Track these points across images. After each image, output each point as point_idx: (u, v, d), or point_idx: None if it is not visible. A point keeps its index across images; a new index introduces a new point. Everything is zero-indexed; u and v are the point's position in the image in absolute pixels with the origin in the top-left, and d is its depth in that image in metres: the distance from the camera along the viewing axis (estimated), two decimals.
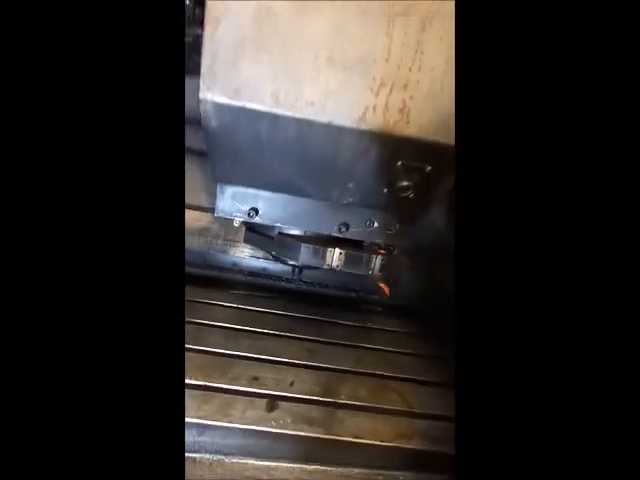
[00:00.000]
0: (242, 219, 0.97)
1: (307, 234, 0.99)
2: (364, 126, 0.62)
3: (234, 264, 1.39)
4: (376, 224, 0.96)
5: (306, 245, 0.94)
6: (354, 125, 0.62)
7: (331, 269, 0.95)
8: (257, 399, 0.79)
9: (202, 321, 1.02)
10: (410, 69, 0.58)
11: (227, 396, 0.77)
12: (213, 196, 1.43)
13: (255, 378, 0.86)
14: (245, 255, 1.39)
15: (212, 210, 1.47)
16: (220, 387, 0.80)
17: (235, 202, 0.97)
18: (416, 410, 0.83)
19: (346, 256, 0.94)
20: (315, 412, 0.79)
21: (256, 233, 1.08)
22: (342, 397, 0.84)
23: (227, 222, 1.37)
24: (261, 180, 0.87)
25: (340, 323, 1.15)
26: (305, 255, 0.94)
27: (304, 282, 1.38)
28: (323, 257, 0.94)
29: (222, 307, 1.13)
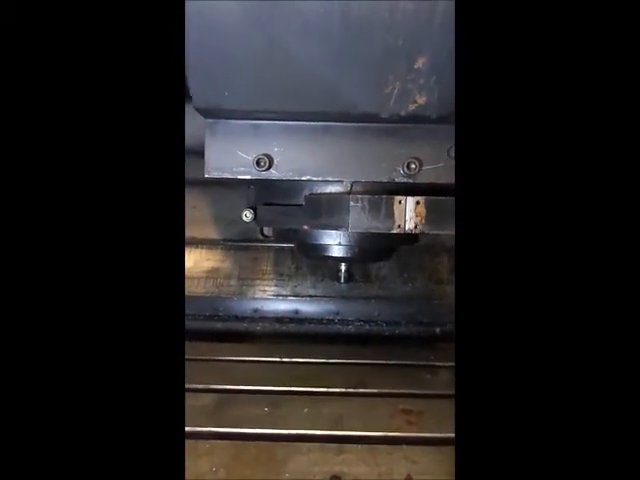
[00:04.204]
0: (248, 176, 0.57)
1: (355, 189, 0.59)
2: None
3: (255, 310, 1.01)
4: None
5: (356, 197, 0.54)
6: None
7: (404, 234, 0.55)
8: None
9: (225, 386, 0.61)
10: None
11: None
12: (222, 225, 1.11)
13: (336, 477, 0.46)
14: (269, 294, 1.01)
15: (221, 242, 1.13)
16: None
17: (234, 148, 0.56)
18: None
19: (428, 205, 0.53)
20: None
21: (273, 205, 0.66)
22: None
23: (239, 253, 1.04)
24: (270, 85, 0.50)
25: (438, 365, 0.73)
26: (357, 214, 0.54)
27: (362, 321, 0.98)
28: (389, 213, 0.54)
29: (253, 363, 0.73)
